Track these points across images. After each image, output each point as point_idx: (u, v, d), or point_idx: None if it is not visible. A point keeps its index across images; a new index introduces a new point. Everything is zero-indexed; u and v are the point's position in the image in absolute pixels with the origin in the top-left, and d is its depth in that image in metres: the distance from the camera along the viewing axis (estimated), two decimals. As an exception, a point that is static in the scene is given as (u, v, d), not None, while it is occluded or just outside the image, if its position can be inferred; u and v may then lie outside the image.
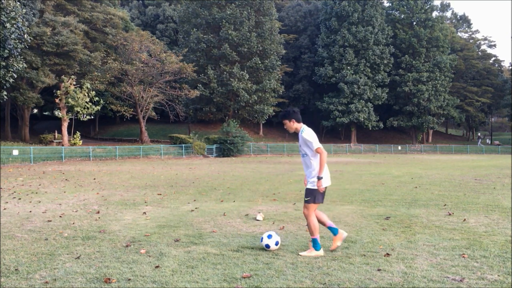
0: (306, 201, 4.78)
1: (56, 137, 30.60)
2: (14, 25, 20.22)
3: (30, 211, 7.60)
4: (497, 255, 4.67)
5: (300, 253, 4.75)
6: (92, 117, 37.30)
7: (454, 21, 79.00)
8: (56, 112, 31.93)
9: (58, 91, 28.92)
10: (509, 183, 12.73)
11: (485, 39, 78.48)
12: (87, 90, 29.27)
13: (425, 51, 54.10)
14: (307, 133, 4.79)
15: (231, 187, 11.76)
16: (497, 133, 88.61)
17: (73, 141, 29.76)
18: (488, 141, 68.83)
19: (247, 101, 41.82)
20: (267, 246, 4.87)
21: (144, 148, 30.43)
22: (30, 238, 5.52)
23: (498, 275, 4.01)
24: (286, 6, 61.06)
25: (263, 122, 47.66)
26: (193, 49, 41.71)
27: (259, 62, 42.36)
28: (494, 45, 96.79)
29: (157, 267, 4.23)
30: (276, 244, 4.89)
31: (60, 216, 7.12)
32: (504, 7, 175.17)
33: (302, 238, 5.55)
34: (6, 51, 20.23)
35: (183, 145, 32.80)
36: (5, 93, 22.06)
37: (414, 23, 56.28)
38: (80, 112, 30.02)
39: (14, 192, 10.42)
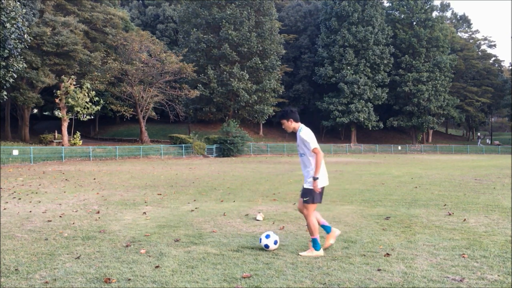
0: (305, 201, 4.78)
1: (56, 137, 30.60)
2: (14, 25, 20.22)
3: (30, 211, 7.60)
4: (497, 255, 4.67)
5: (300, 253, 4.75)
6: (92, 117, 37.30)
7: (454, 21, 79.01)
8: (56, 112, 31.93)
9: (58, 91, 28.92)
10: (509, 183, 12.73)
11: (485, 39, 78.53)
12: (87, 90, 29.27)
13: (425, 51, 54.11)
14: (305, 133, 4.78)
15: (231, 187, 11.76)
16: (497, 133, 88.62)
17: (73, 141, 29.76)
18: (488, 141, 68.84)
19: (247, 101, 41.82)
20: (266, 246, 4.87)
21: (144, 148, 30.43)
22: (30, 238, 5.52)
23: (498, 275, 4.01)
24: (286, 6, 61.06)
25: (263, 122, 47.67)
26: (193, 49, 41.71)
27: (259, 62, 42.36)
28: (494, 45, 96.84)
29: (157, 267, 4.23)
30: (275, 243, 4.89)
31: (60, 216, 7.12)
32: (504, 7, 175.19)
33: (302, 238, 5.55)
34: (6, 51, 20.23)
35: (183, 145, 32.80)
36: (5, 93, 22.06)
37: (414, 23, 56.29)
38: (80, 112, 30.03)
39: (14, 192, 10.42)
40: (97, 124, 48.45)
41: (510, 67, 75.07)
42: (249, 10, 42.44)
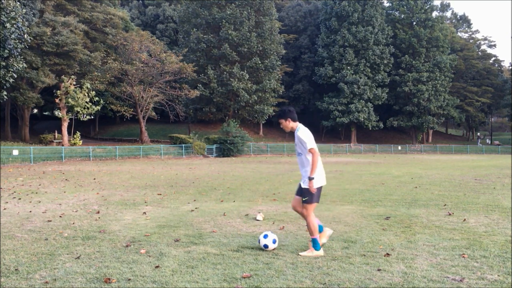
0: (304, 201, 4.78)
1: (56, 137, 30.60)
2: (14, 25, 20.22)
3: (30, 211, 7.60)
4: (497, 255, 4.67)
5: (300, 253, 4.75)
6: (92, 117, 37.32)
7: (454, 21, 79.01)
8: (56, 112, 31.94)
9: (58, 91, 28.92)
10: (509, 183, 12.73)
11: (485, 39, 78.55)
12: (87, 90, 29.28)
13: (425, 51, 54.11)
14: (302, 132, 4.78)
15: (231, 187, 11.76)
16: (497, 133, 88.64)
17: (73, 141, 29.76)
18: (488, 141, 68.86)
19: (247, 101, 41.82)
20: (265, 246, 4.87)
21: (144, 148, 30.43)
22: (30, 238, 5.52)
23: (498, 275, 4.01)
24: (286, 6, 61.07)
25: (263, 122, 47.67)
26: (193, 49, 41.71)
27: (259, 62, 42.36)
28: (494, 45, 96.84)
29: (157, 267, 4.23)
30: (274, 242, 4.89)
31: (60, 216, 7.12)
32: (504, 7, 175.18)
33: (302, 238, 5.55)
34: (6, 51, 20.23)
35: (183, 145, 32.80)
36: (5, 93, 22.06)
37: (414, 23, 56.29)
38: (80, 112, 30.03)
39: (14, 192, 10.42)
40: (97, 124, 48.45)
41: (510, 67, 75.09)
42: (249, 10, 42.44)
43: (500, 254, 4.71)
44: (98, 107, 31.00)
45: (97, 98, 30.58)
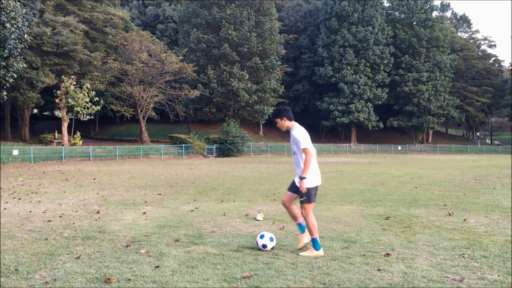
0: (301, 201, 4.79)
1: (56, 137, 30.60)
2: (14, 25, 20.22)
3: (30, 211, 7.60)
4: (497, 255, 4.67)
5: (300, 253, 4.75)
6: (92, 117, 37.31)
7: (454, 21, 79.02)
8: (56, 112, 31.96)
9: (58, 91, 28.93)
10: (509, 183, 12.73)
11: (485, 39, 78.59)
12: (87, 90, 29.28)
13: (425, 51, 54.12)
14: (297, 132, 4.78)
15: (231, 187, 11.75)
16: (497, 133, 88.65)
17: (73, 141, 29.76)
18: (488, 141, 68.87)
19: (247, 101, 41.83)
20: (264, 246, 4.87)
21: (144, 148, 30.43)
22: (30, 238, 5.51)
23: (498, 275, 4.01)
24: (286, 6, 61.08)
25: (263, 122, 47.68)
26: (193, 49, 41.71)
27: (259, 62, 42.36)
28: (494, 45, 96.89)
29: (157, 267, 4.23)
30: (271, 240, 4.89)
31: (60, 216, 7.12)
32: (504, 7, 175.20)
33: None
34: (6, 51, 20.23)
35: (183, 145, 32.80)
36: (5, 93, 22.07)
37: (414, 23, 56.30)
38: (80, 112, 30.03)
39: (14, 192, 10.42)
40: (97, 124, 48.45)
41: (510, 67, 75.10)
42: (249, 10, 42.45)
43: (500, 254, 4.71)
44: (98, 107, 31.00)
45: (97, 98, 30.58)
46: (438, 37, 54.02)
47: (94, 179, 13.84)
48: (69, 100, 28.42)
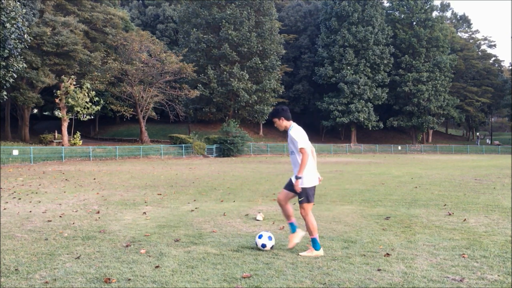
0: (300, 202, 4.79)
1: (56, 137, 30.61)
2: (14, 25, 20.22)
3: (30, 211, 7.60)
4: (497, 255, 4.67)
5: (300, 253, 4.75)
6: (92, 117, 37.31)
7: (454, 21, 79.03)
8: (56, 112, 31.95)
9: (58, 91, 28.93)
10: (509, 183, 12.73)
11: (485, 39, 78.59)
12: (87, 90, 29.28)
13: (425, 51, 54.12)
14: (294, 132, 4.78)
15: (231, 187, 11.75)
16: (497, 133, 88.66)
17: (73, 141, 29.76)
18: (488, 141, 68.88)
19: (247, 101, 41.83)
20: (263, 245, 4.87)
21: (144, 148, 30.43)
22: (30, 238, 5.51)
23: (498, 275, 4.01)
24: (286, 6, 61.08)
25: (263, 122, 47.68)
26: (193, 49, 41.71)
27: (259, 62, 42.37)
28: (494, 45, 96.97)
29: (157, 267, 4.23)
30: (270, 239, 4.89)
31: (60, 216, 7.12)
32: (504, 7, 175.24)
33: (302, 238, 5.54)
34: (6, 51, 20.23)
35: (183, 145, 32.80)
36: (5, 93, 22.07)
37: (414, 23, 56.30)
38: (80, 112, 30.03)
39: (14, 192, 10.42)
40: (97, 124, 48.45)
41: (510, 67, 75.11)
42: (249, 10, 42.45)
43: (500, 254, 4.71)
44: (98, 107, 31.00)
45: (97, 98, 30.58)
46: (438, 37, 54.02)
47: (94, 179, 13.84)
48: (69, 100, 28.42)
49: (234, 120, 38.41)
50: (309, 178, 4.74)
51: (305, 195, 4.73)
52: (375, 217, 7.10)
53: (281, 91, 47.15)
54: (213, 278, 3.91)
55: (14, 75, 21.71)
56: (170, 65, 33.85)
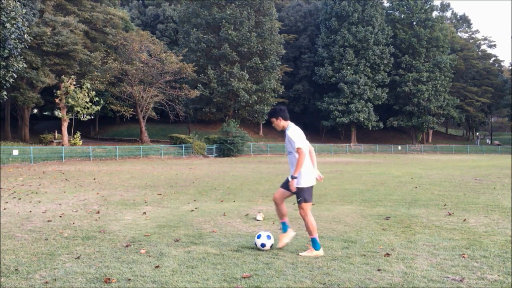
0: (298, 202, 4.80)
1: (56, 137, 30.60)
2: (14, 25, 20.22)
3: (30, 211, 7.60)
4: (497, 255, 4.67)
5: (300, 253, 4.75)
6: (92, 117, 37.31)
7: (454, 21, 79.03)
8: (56, 112, 31.95)
9: (58, 91, 28.93)
10: (509, 183, 12.73)
11: (485, 39, 78.62)
12: (87, 90, 29.28)
13: (425, 51, 54.12)
14: (291, 132, 4.79)
15: (231, 187, 11.75)
16: (497, 133, 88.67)
17: (73, 141, 29.76)
18: (488, 141, 68.87)
19: (247, 101, 41.83)
20: (263, 245, 4.87)
21: (144, 148, 30.43)
22: (30, 238, 5.51)
23: (498, 275, 4.01)
24: (286, 6, 61.09)
25: (263, 122, 47.69)
26: (193, 49, 41.71)
27: (259, 62, 42.37)
28: (494, 45, 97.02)
29: (157, 267, 4.23)
30: (269, 237, 4.90)
31: (60, 216, 7.12)
32: (504, 7, 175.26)
33: (302, 238, 5.54)
34: (6, 51, 20.23)
35: (183, 145, 32.80)
36: (5, 93, 22.07)
37: (414, 23, 56.31)
38: (80, 112, 30.04)
39: (14, 192, 10.42)
40: (97, 124, 48.45)
41: (510, 67, 75.11)
42: (249, 10, 42.45)
43: (500, 254, 4.71)
44: (98, 107, 31.00)
45: (97, 98, 30.58)
46: (438, 37, 54.01)
47: (94, 179, 13.84)
48: (69, 100, 28.42)
49: (234, 120, 38.42)
50: (306, 178, 4.75)
51: (303, 195, 4.74)
52: (375, 217, 7.09)
53: (281, 91, 47.16)
54: (213, 278, 3.91)
55: (14, 75, 21.71)
56: (170, 65, 33.86)
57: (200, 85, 39.75)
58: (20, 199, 9.19)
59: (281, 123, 4.90)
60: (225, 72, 41.09)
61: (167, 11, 52.17)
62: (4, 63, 20.75)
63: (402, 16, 56.58)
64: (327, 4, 52.96)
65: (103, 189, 11.16)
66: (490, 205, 8.35)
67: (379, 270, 4.15)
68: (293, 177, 4.68)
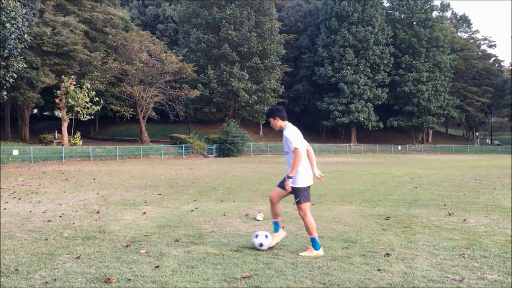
0: (296, 202, 4.80)
1: (56, 137, 30.60)
2: (14, 25, 20.22)
3: (30, 211, 7.60)
4: (497, 255, 4.67)
5: (300, 253, 4.75)
6: (92, 117, 37.32)
7: (454, 21, 79.04)
8: (56, 112, 31.95)
9: (58, 91, 28.93)
10: (509, 183, 12.73)
11: (485, 39, 78.62)
12: (87, 90, 29.28)
13: (425, 51, 54.13)
14: (289, 132, 4.80)
15: (231, 187, 11.75)
16: (497, 133, 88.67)
17: (73, 141, 29.76)
18: (488, 141, 68.87)
19: (247, 101, 41.83)
20: (261, 244, 4.87)
21: (144, 148, 30.43)
22: (30, 238, 5.51)
23: (498, 275, 4.01)
24: (286, 6, 61.09)
25: (263, 122, 47.69)
26: (193, 49, 41.71)
27: (259, 62, 42.37)
28: (494, 45, 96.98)
29: (157, 267, 4.23)
30: (266, 237, 4.90)
31: (60, 216, 7.12)
32: (504, 7, 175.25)
33: (302, 238, 5.54)
34: (6, 51, 20.23)
35: (183, 145, 32.80)
36: (5, 93, 22.06)
37: (414, 23, 56.31)
38: (80, 112, 30.04)
39: (14, 192, 10.42)
40: (97, 124, 48.45)
41: (510, 67, 75.11)
42: (249, 10, 42.45)
43: (500, 254, 4.71)
44: (98, 107, 31.00)
45: (97, 98, 30.58)
46: (438, 37, 54.02)
47: (94, 179, 13.84)
48: (69, 100, 28.42)
49: (234, 120, 38.42)
50: (304, 178, 4.75)
51: (300, 195, 4.74)
52: (375, 217, 7.09)
53: (281, 91, 47.16)
54: (213, 278, 3.91)
55: (14, 75, 21.70)
56: (170, 65, 33.86)
57: (200, 85, 39.75)
58: (20, 199, 9.19)
59: (278, 123, 4.91)
60: (225, 72, 41.09)
61: (167, 11, 52.17)
62: (4, 63, 20.74)
63: (402, 16, 56.58)
64: (327, 4, 52.97)
65: (103, 189, 11.16)
66: (490, 205, 8.35)
67: (379, 270, 4.15)
68: (289, 177, 4.68)
